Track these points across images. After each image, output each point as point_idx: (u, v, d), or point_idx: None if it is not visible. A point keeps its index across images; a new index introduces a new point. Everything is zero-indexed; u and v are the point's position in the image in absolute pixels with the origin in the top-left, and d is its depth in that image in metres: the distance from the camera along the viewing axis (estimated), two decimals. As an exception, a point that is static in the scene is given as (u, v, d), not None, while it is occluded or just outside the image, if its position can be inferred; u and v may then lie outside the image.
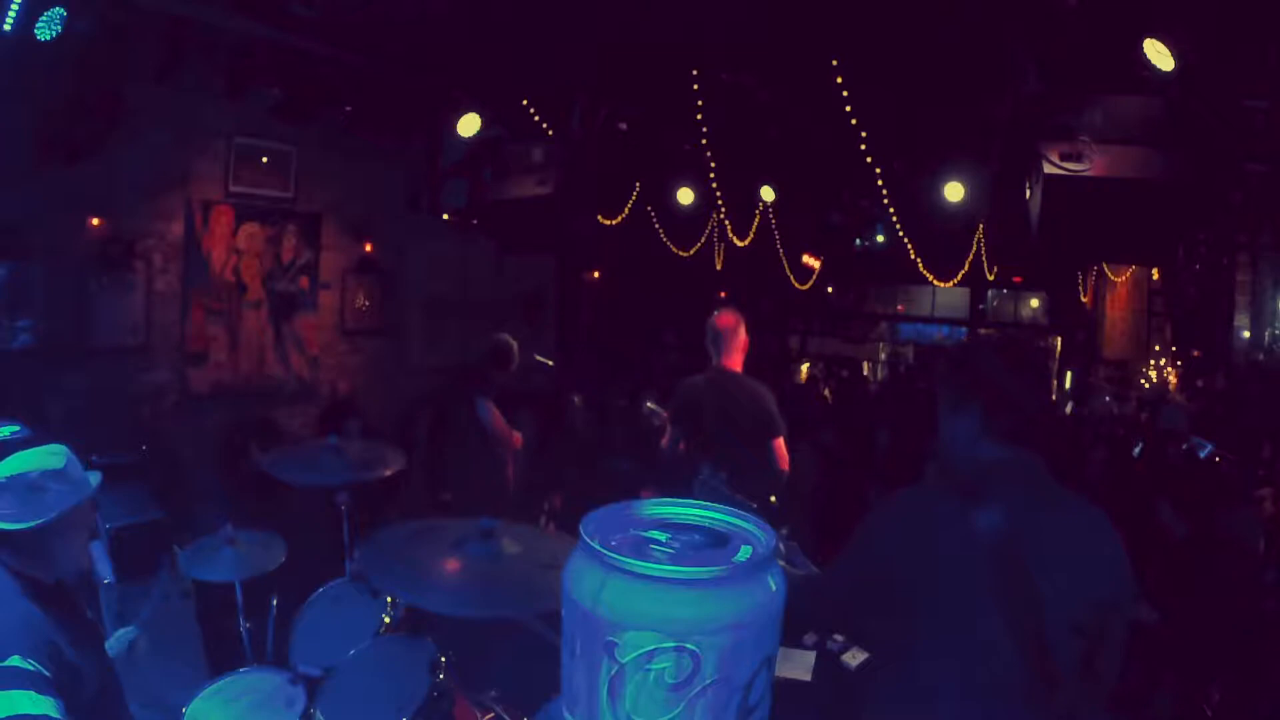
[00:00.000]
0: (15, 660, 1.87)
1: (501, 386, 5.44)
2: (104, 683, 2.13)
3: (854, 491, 6.62)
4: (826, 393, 12.73)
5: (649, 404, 4.86)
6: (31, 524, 2.01)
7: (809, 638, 2.85)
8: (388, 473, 3.67)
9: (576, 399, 6.81)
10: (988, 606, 1.71)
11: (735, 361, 4.40)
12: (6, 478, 2.03)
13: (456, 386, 5.68)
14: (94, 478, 2.19)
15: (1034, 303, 16.91)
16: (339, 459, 3.64)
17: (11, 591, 2.01)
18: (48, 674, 1.90)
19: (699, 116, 6.88)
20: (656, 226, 10.65)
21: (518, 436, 5.34)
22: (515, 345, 5.51)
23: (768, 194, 9.00)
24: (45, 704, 1.84)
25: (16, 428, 2.13)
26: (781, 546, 2.20)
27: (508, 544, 2.30)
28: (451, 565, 2.21)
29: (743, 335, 4.43)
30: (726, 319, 4.44)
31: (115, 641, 2.62)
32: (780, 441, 4.33)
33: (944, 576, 1.78)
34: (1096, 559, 1.77)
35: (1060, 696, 1.71)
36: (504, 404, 5.38)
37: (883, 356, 18.02)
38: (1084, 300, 13.20)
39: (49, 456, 2.10)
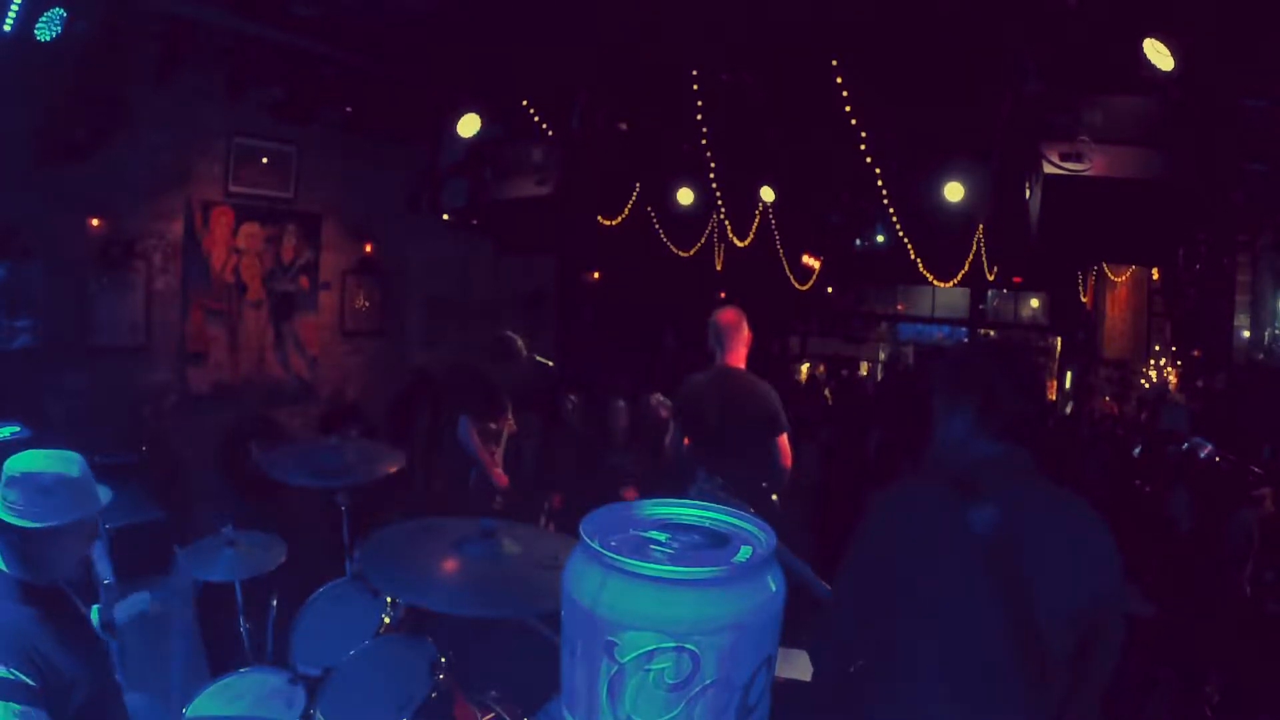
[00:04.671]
0: None
1: (507, 385, 5.25)
2: (99, 686, 2.12)
3: (853, 490, 6.62)
4: (826, 393, 12.75)
5: (657, 395, 4.83)
6: (35, 525, 2.00)
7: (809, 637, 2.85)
8: (390, 470, 3.66)
9: (571, 399, 6.80)
10: (980, 603, 1.73)
11: (739, 358, 4.37)
12: (21, 473, 2.03)
13: (449, 394, 5.51)
14: (104, 493, 2.18)
15: (1034, 303, 16.91)
16: (338, 459, 3.64)
17: (3, 595, 2.00)
18: (31, 683, 1.89)
19: (699, 117, 6.88)
20: (656, 227, 10.64)
21: (501, 475, 5.05)
22: (519, 340, 5.30)
23: (768, 194, 8.99)
24: (19, 713, 1.84)
25: (17, 428, 2.13)
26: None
27: (508, 544, 2.30)
28: (451, 565, 2.21)
29: (746, 332, 4.40)
30: (729, 316, 4.40)
31: (128, 605, 2.60)
32: (784, 439, 4.30)
33: (935, 573, 1.79)
34: (1088, 552, 1.79)
35: (1052, 693, 1.72)
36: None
37: (882, 356, 18.02)
38: (1084, 300, 13.20)
39: (65, 463, 2.09)
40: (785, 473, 4.29)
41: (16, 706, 1.84)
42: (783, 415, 4.31)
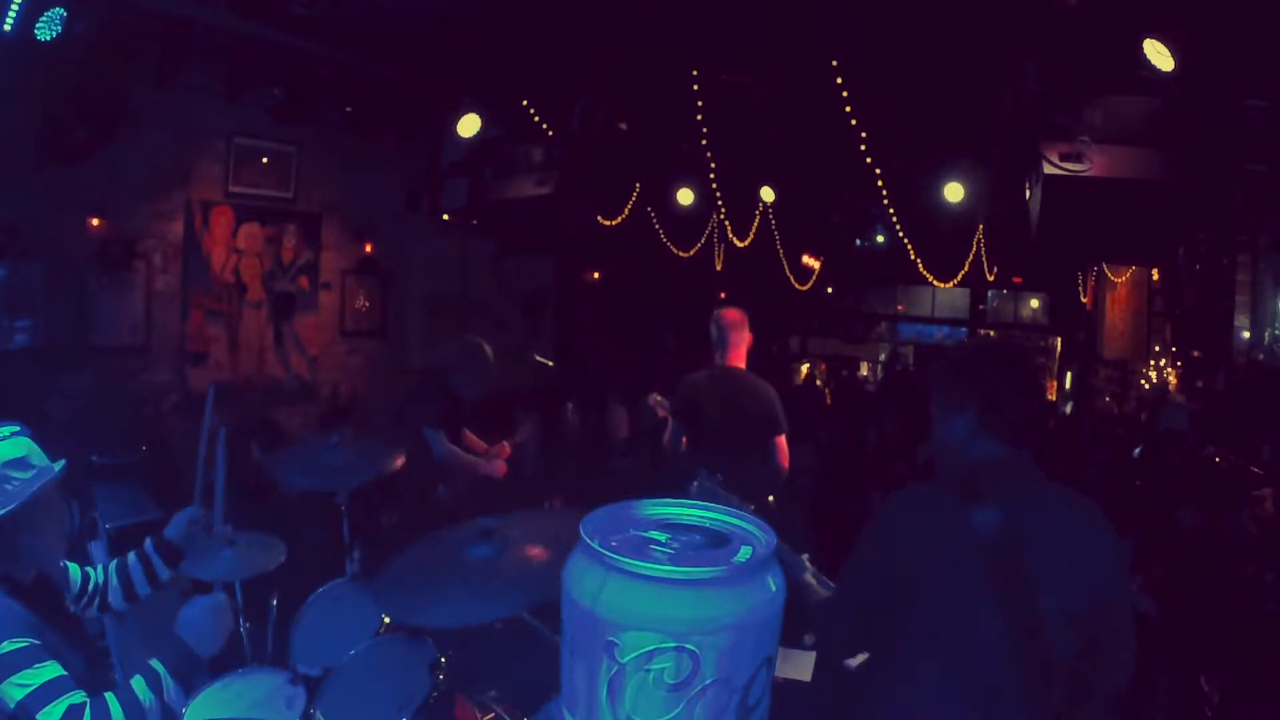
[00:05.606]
0: (5, 646, 1.90)
1: (478, 394, 4.80)
2: (97, 683, 2.12)
3: (852, 490, 6.62)
4: (826, 392, 12.76)
5: (655, 396, 4.80)
6: None
7: (809, 638, 2.85)
8: (396, 463, 3.64)
9: (569, 406, 6.79)
10: (982, 604, 1.72)
11: (739, 358, 4.37)
12: None
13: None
14: (57, 465, 2.19)
15: (1034, 303, 16.88)
16: (338, 459, 3.62)
17: None
18: (37, 641, 1.94)
19: (699, 116, 6.88)
20: (656, 226, 10.64)
21: (500, 465, 4.64)
22: (485, 347, 4.74)
23: (768, 194, 9.00)
24: (47, 669, 1.90)
25: (17, 428, 2.14)
26: (809, 566, 2.21)
27: (509, 537, 2.29)
28: (460, 578, 2.19)
29: (747, 332, 4.40)
30: (733, 314, 4.40)
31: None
32: (782, 439, 4.30)
33: (939, 574, 1.79)
34: (1091, 553, 1.79)
35: (1055, 696, 1.71)
36: (500, 406, 5.22)
37: (882, 357, 18.01)
38: (1084, 300, 13.18)
39: (7, 446, 2.10)
40: (783, 473, 4.29)
41: (37, 665, 1.90)
42: (782, 416, 4.31)
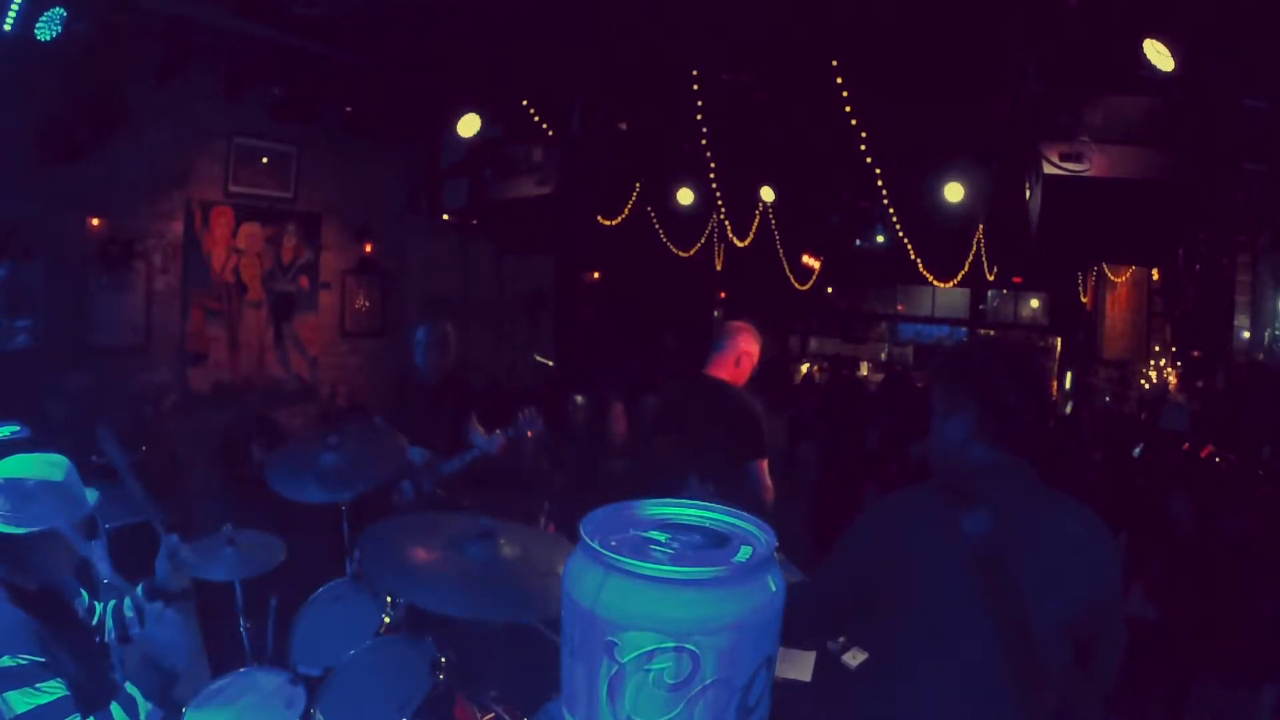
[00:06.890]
0: (5, 660, 1.88)
1: (430, 373, 4.64)
2: (97, 686, 2.12)
3: (851, 491, 6.62)
4: (826, 393, 12.75)
5: (652, 400, 4.74)
6: (16, 531, 2.00)
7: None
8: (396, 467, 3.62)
9: (578, 399, 6.79)
10: (975, 610, 1.71)
11: (723, 367, 4.01)
12: (4, 479, 2.03)
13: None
14: (91, 495, 2.18)
15: (1034, 303, 16.89)
16: (337, 462, 3.60)
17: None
18: (42, 660, 1.92)
19: (699, 116, 6.88)
20: (656, 226, 10.65)
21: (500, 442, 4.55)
22: (449, 327, 4.64)
23: (768, 194, 9.00)
24: (50, 688, 1.89)
25: (17, 428, 2.14)
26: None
27: (506, 547, 2.29)
28: (450, 564, 2.20)
29: (746, 345, 4.01)
30: (734, 325, 4.11)
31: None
32: (763, 465, 3.84)
33: (931, 579, 1.77)
34: (1085, 561, 1.76)
35: (1048, 699, 1.70)
36: (500, 404, 5.22)
37: (883, 357, 18.02)
38: (1084, 300, 13.19)
39: (49, 467, 2.09)
40: (765, 505, 3.79)
41: (41, 686, 1.89)
42: (763, 439, 3.89)
